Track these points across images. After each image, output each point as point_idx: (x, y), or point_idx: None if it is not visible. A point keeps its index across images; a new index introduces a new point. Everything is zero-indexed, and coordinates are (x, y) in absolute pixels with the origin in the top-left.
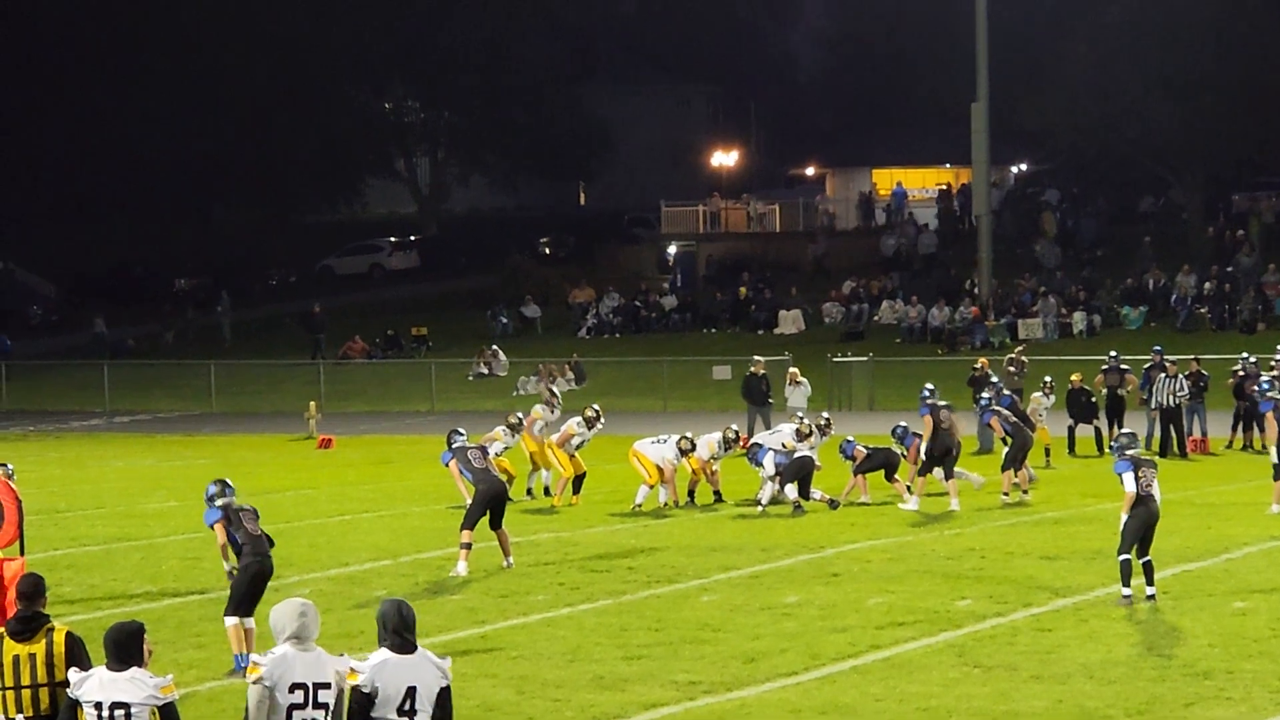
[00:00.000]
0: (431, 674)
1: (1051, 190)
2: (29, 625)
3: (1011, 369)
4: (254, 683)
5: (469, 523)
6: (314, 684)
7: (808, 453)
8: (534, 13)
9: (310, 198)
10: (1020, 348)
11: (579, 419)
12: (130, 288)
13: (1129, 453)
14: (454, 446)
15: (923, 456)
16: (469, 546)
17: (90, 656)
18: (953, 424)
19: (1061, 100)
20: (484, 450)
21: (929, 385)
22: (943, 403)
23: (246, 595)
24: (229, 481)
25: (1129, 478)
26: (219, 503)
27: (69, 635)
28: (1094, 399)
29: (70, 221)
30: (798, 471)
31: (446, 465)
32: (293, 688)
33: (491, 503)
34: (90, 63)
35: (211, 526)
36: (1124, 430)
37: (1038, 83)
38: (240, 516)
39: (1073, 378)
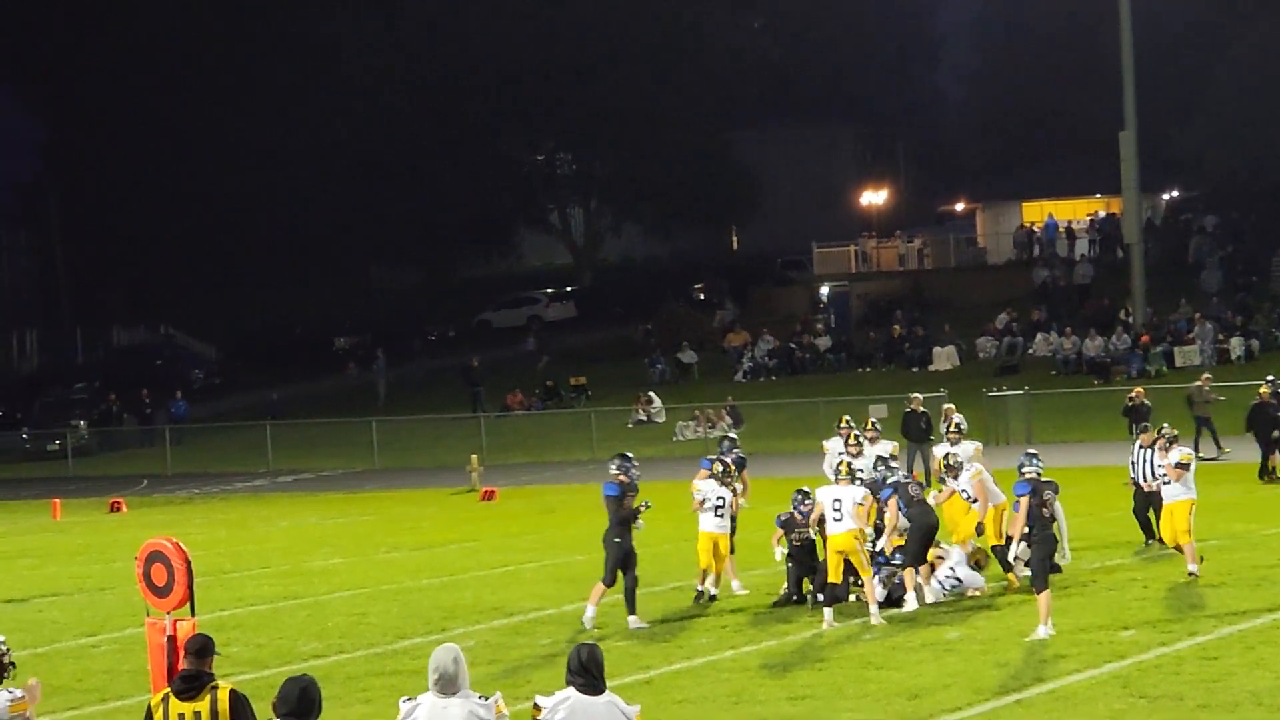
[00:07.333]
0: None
1: (1209, 216)
2: (192, 684)
3: (1200, 398)
4: None
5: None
6: None
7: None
8: (682, 62)
9: (465, 252)
10: (1206, 375)
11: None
12: (290, 349)
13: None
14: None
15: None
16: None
17: (255, 714)
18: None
19: (1211, 125)
20: (922, 485)
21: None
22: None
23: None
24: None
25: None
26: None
27: (233, 693)
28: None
29: (228, 286)
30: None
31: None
32: None
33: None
34: (242, 129)
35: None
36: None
37: (1186, 109)
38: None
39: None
